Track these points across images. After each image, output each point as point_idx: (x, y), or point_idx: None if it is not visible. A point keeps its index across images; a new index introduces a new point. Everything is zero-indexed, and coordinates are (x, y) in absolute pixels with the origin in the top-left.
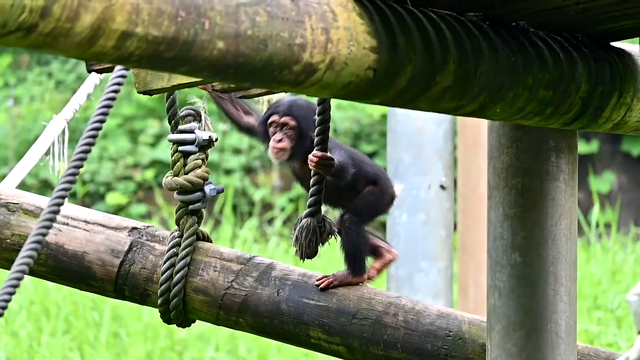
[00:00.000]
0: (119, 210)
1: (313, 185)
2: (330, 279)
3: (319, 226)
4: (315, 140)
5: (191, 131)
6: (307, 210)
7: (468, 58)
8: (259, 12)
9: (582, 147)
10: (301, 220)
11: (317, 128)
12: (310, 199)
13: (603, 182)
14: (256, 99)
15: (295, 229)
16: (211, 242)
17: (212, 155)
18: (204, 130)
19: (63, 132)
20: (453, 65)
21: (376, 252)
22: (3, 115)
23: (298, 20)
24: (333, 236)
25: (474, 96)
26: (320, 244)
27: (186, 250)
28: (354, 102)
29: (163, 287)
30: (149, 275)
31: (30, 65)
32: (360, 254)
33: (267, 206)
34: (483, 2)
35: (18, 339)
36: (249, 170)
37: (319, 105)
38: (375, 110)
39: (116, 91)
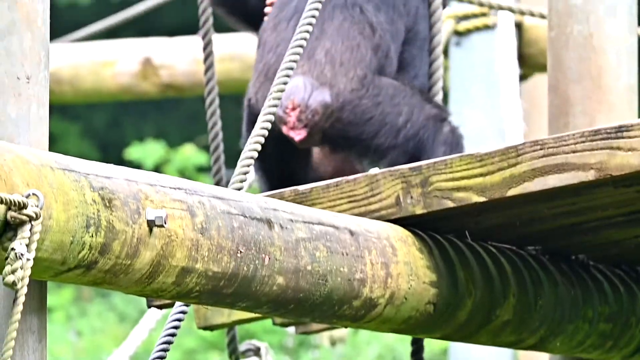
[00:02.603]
0: None
1: None
2: None
3: None
4: None
5: None
6: None
7: (528, 291)
8: (319, 247)
9: None
10: None
11: None
12: None
13: None
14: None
15: None
16: None
17: None
18: None
19: None
20: (513, 298)
21: None
22: (66, 348)
23: (358, 255)
24: None
25: (534, 329)
26: None
27: None
28: None
29: None
30: None
31: (91, 297)
32: None
33: None
34: (542, 236)
35: None
36: None
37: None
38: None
39: (176, 327)
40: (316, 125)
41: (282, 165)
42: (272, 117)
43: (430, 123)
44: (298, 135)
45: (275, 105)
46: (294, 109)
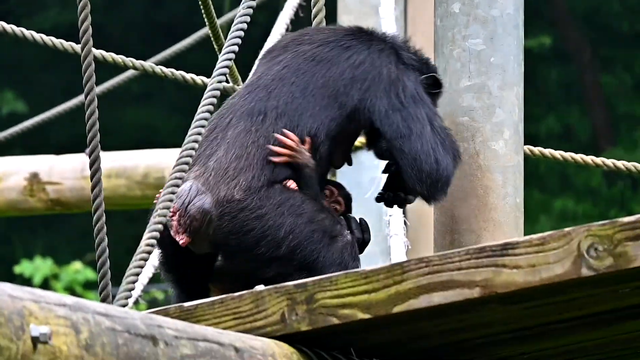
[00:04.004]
0: None
1: None
2: None
3: None
4: None
5: None
6: None
7: None
8: None
9: None
10: None
11: None
12: None
13: None
14: None
15: None
16: None
17: None
18: None
19: None
20: None
21: None
22: None
23: None
24: None
25: None
26: None
27: None
28: None
29: None
30: None
31: None
32: None
33: None
34: (429, 353)
35: None
36: None
37: None
38: None
39: None
40: (197, 231)
41: (189, 270)
42: (158, 226)
43: (318, 236)
44: (181, 239)
45: (164, 214)
46: (174, 214)
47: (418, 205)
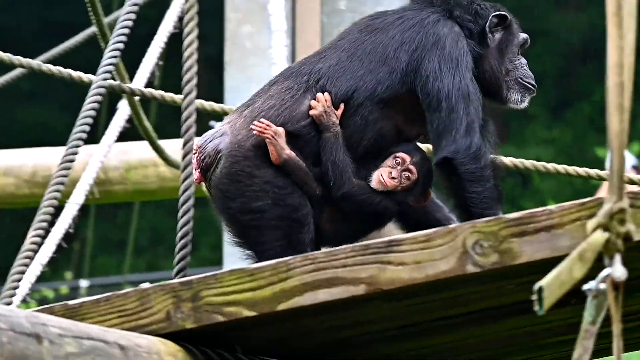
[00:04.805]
0: None
1: None
2: None
3: None
4: None
5: None
6: None
7: None
8: None
9: None
10: None
11: None
12: None
13: None
14: None
15: None
16: None
17: None
18: None
19: None
20: None
21: None
22: None
23: None
24: None
25: None
26: None
27: None
28: None
29: None
30: None
31: None
32: None
33: None
34: (314, 350)
35: None
36: None
37: None
38: None
39: None
40: (209, 169)
41: None
42: (43, 224)
43: (278, 234)
44: (195, 176)
45: (48, 212)
46: (196, 151)
47: None
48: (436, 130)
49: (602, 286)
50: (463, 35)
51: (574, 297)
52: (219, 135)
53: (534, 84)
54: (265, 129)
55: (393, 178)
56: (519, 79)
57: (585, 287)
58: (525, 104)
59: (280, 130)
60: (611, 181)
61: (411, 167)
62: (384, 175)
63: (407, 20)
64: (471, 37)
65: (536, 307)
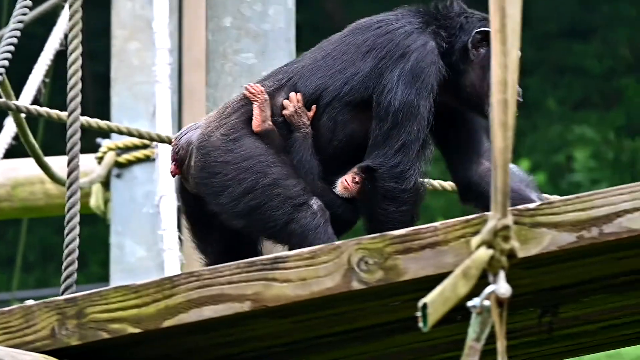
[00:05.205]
0: None
1: None
2: None
3: None
4: None
5: None
6: None
7: None
8: None
9: None
10: None
11: None
12: None
13: None
14: None
15: None
16: None
17: None
18: None
19: None
20: None
21: None
22: None
23: None
24: None
25: None
26: None
27: None
28: None
29: None
30: None
31: None
32: None
33: None
34: None
35: None
36: None
37: None
38: None
39: None
40: (183, 161)
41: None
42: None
43: (279, 202)
44: (171, 168)
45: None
46: (172, 143)
47: None
48: (374, 138)
49: (487, 303)
50: (436, 52)
51: (460, 314)
52: (194, 128)
53: (518, 98)
54: (257, 94)
55: (357, 183)
56: None
57: (470, 303)
58: None
59: (268, 100)
60: (495, 198)
61: (355, 176)
62: (348, 180)
63: (385, 26)
64: (451, 52)
65: (420, 324)
